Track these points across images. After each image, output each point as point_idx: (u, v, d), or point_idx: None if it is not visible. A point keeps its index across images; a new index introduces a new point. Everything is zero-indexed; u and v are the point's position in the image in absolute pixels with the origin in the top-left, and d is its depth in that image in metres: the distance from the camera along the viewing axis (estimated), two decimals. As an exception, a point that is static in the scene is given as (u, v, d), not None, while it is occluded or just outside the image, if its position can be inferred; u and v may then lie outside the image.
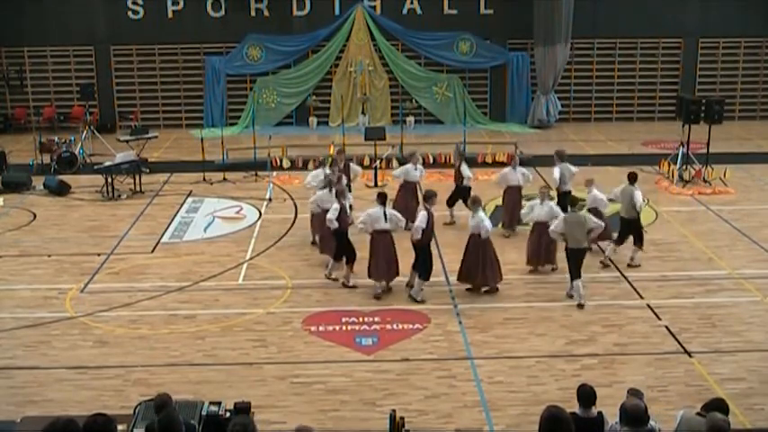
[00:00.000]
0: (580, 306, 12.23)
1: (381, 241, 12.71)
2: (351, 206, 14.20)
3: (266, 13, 26.46)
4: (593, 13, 26.39)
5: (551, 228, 12.60)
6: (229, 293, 12.99)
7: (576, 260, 12.36)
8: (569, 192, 15.02)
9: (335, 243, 13.21)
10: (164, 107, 27.20)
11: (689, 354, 10.73)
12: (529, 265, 13.72)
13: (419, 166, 16.23)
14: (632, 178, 13.87)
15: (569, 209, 12.81)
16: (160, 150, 23.28)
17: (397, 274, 12.91)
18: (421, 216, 12.45)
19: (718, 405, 6.86)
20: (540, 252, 13.59)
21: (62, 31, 26.12)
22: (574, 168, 15.60)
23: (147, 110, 26.96)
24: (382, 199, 12.89)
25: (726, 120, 19.88)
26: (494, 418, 9.22)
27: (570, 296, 12.52)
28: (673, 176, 19.26)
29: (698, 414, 6.87)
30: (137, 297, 12.78)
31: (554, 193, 14.89)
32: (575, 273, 12.35)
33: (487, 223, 12.53)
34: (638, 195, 13.73)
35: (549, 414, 5.76)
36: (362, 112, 26.53)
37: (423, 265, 12.49)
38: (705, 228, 16.15)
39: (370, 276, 12.84)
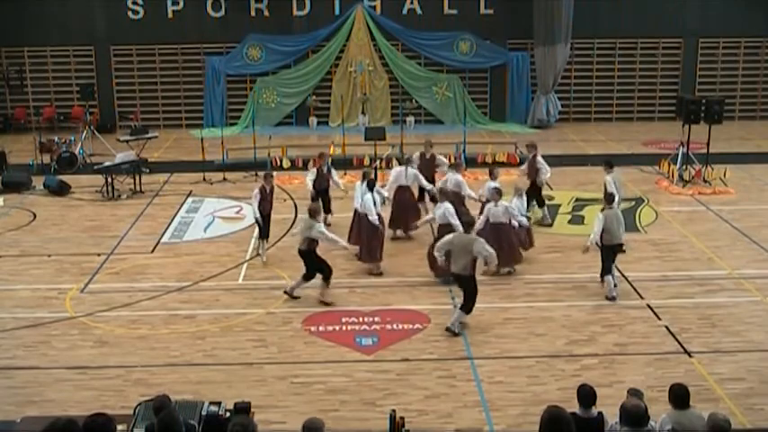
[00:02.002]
0: (613, 299, 12.39)
1: (401, 195, 14.87)
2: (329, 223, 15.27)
3: (266, 13, 26.48)
4: (594, 13, 26.40)
5: (596, 229, 12.31)
6: (229, 293, 12.99)
7: (612, 255, 12.48)
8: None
9: (309, 262, 12.55)
10: (164, 107, 27.21)
11: (689, 354, 10.73)
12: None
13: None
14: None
15: (606, 205, 12.65)
16: (160, 150, 23.29)
17: (416, 227, 14.73)
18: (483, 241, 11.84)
19: (678, 391, 6.97)
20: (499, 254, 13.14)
21: (62, 31, 26.15)
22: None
23: (147, 110, 26.97)
24: (406, 161, 15.44)
25: (726, 120, 19.86)
26: (494, 418, 9.22)
27: (611, 297, 12.48)
28: (673, 176, 19.26)
29: (675, 409, 6.91)
30: (137, 297, 12.78)
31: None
32: (609, 268, 12.49)
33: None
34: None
35: (550, 414, 5.76)
36: (362, 112, 26.54)
37: (471, 298, 11.55)
38: (705, 228, 16.15)
39: (390, 226, 14.64)
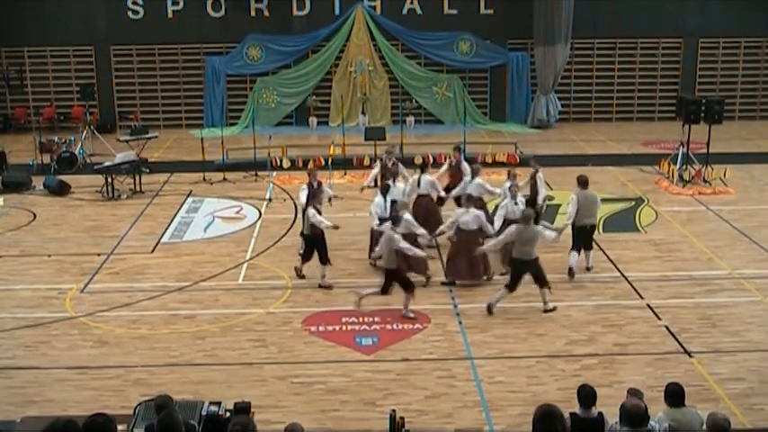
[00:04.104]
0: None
1: (419, 204, 14.36)
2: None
3: (266, 13, 26.49)
4: (593, 13, 26.40)
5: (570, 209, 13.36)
6: (229, 293, 12.99)
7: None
8: None
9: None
10: (164, 107, 27.22)
11: (689, 354, 10.73)
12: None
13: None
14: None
15: (581, 188, 13.39)
16: (160, 150, 23.29)
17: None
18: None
19: (674, 389, 7.07)
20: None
21: (62, 31, 26.15)
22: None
23: (147, 110, 26.98)
24: (420, 168, 14.87)
25: (726, 120, 19.84)
26: (494, 418, 9.22)
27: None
28: (673, 176, 19.26)
29: (671, 406, 6.94)
30: (137, 297, 12.78)
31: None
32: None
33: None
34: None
35: (542, 411, 5.72)
36: (362, 112, 26.55)
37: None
38: (705, 228, 16.15)
39: None
